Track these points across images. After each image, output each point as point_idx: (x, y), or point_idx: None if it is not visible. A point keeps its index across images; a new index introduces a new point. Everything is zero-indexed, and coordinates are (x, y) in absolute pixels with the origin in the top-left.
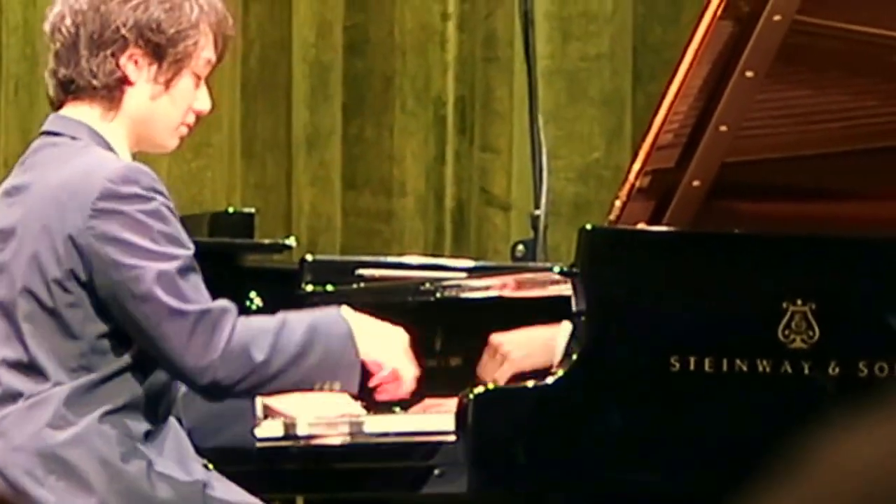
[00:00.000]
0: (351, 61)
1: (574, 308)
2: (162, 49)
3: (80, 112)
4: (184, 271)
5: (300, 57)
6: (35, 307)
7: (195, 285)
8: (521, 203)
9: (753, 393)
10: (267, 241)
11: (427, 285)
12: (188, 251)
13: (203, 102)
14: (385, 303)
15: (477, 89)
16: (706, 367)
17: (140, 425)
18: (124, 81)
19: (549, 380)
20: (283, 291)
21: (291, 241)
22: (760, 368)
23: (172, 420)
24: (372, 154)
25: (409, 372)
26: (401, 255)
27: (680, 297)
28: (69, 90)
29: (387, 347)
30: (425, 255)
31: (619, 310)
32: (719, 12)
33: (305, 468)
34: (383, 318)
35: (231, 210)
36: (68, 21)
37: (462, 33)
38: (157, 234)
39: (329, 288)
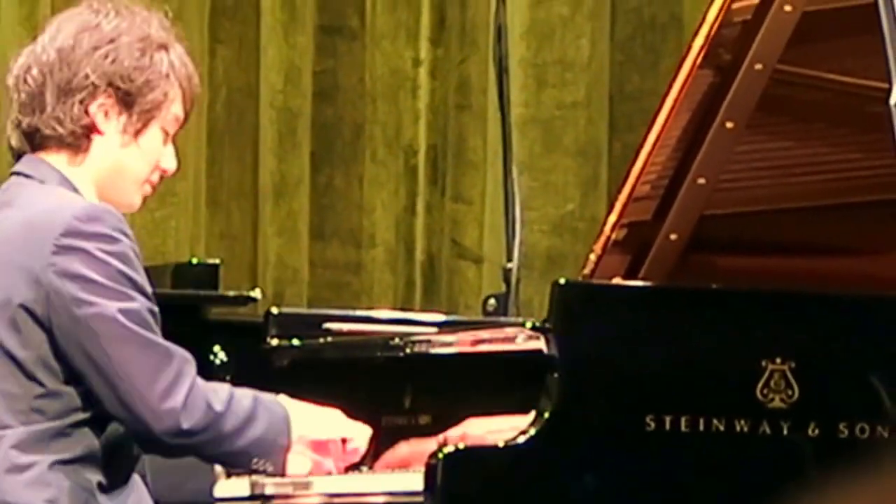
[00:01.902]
0: (320, 108)
1: (546, 364)
2: (132, 98)
3: (50, 159)
4: (147, 312)
5: (267, 103)
6: None
7: (156, 330)
8: (494, 255)
9: (731, 453)
10: (231, 293)
11: (396, 340)
12: (148, 300)
13: (169, 161)
14: (352, 358)
15: (449, 138)
16: (682, 427)
17: (96, 477)
18: (92, 130)
19: (521, 439)
20: (247, 345)
21: (257, 294)
22: (738, 428)
23: (136, 477)
24: (341, 204)
25: (358, 434)
26: (370, 308)
27: (656, 354)
28: (34, 140)
29: (327, 423)
30: (395, 308)
31: (593, 367)
32: (699, 61)
33: None
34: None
35: (195, 261)
36: (35, 71)
37: (434, 80)
38: (119, 274)
39: (295, 342)
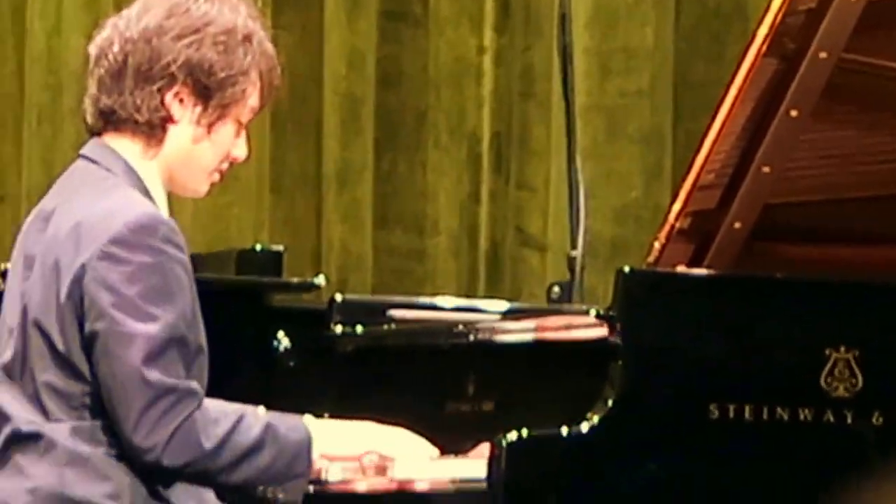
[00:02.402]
0: (383, 95)
1: (610, 352)
2: (210, 91)
3: (120, 145)
4: (167, 340)
5: (331, 89)
6: (42, 341)
7: (173, 359)
8: (557, 243)
9: (794, 442)
10: (296, 279)
11: (460, 327)
12: (181, 324)
13: (241, 150)
14: (416, 345)
15: (513, 125)
16: (746, 415)
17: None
18: (168, 119)
19: (584, 426)
20: (311, 332)
21: (321, 280)
22: (801, 417)
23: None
24: (404, 191)
25: (398, 442)
26: (433, 295)
27: (719, 342)
28: (109, 120)
29: (355, 438)
30: (458, 295)
31: (657, 355)
32: (764, 49)
33: None
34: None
35: (259, 247)
36: (116, 48)
37: (498, 67)
38: (154, 292)
39: (359, 329)
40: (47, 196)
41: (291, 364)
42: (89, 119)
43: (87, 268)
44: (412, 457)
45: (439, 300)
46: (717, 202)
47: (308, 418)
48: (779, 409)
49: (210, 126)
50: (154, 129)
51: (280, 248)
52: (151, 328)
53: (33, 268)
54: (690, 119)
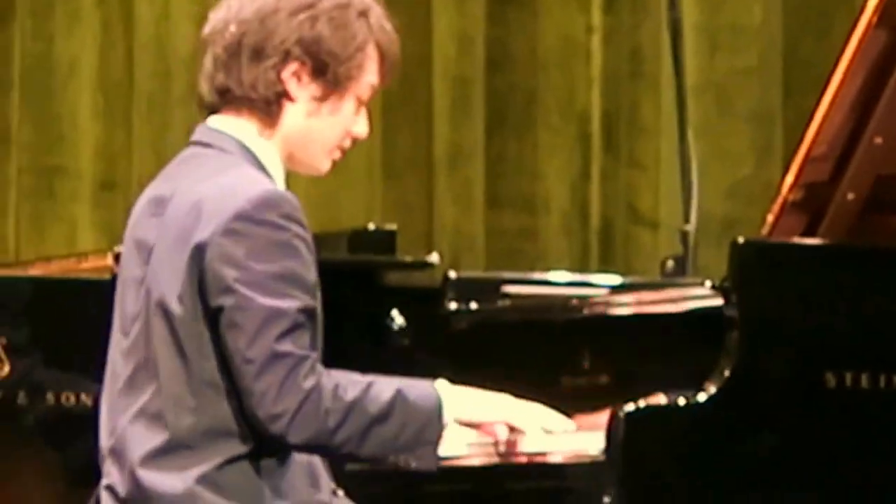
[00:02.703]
0: (493, 76)
1: (725, 323)
2: (326, 68)
3: (233, 125)
4: (295, 313)
5: (441, 72)
6: (164, 323)
7: (301, 332)
8: (669, 220)
9: None
10: (409, 258)
11: (574, 302)
12: (307, 297)
13: (361, 126)
14: (530, 320)
15: (622, 104)
16: (863, 384)
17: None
18: (284, 96)
19: (701, 397)
20: (425, 310)
21: (434, 258)
22: None
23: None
24: (515, 171)
25: (533, 416)
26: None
27: (834, 311)
28: (225, 98)
29: (489, 407)
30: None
31: (772, 325)
32: (873, 21)
33: (451, 490)
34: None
35: (372, 227)
36: (233, 28)
37: (607, 47)
38: (280, 268)
39: (473, 306)
40: (157, 182)
41: (405, 342)
42: (206, 97)
43: (209, 244)
44: (546, 430)
45: (552, 275)
46: (830, 174)
47: (441, 383)
48: (895, 378)
49: (329, 103)
50: (270, 107)
51: (393, 227)
52: (279, 302)
53: (152, 252)
54: (800, 95)
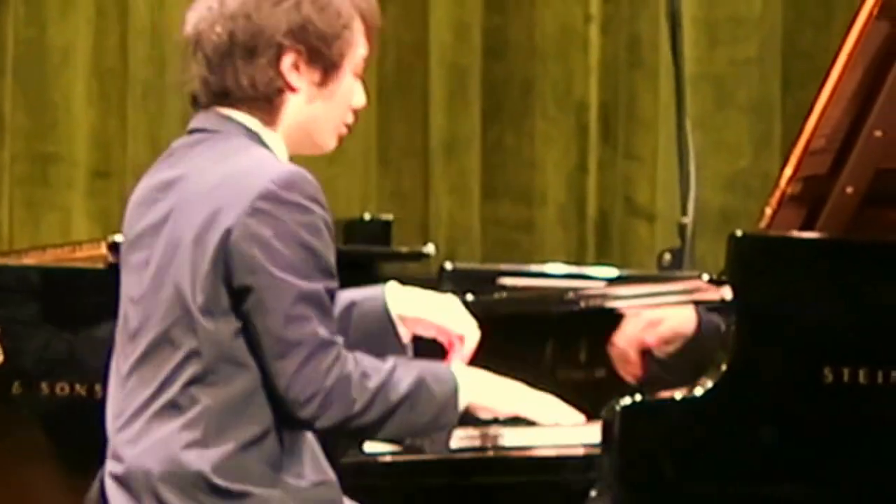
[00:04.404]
0: (490, 65)
1: (723, 318)
2: (320, 51)
3: (237, 115)
4: (323, 295)
5: (437, 60)
6: (180, 305)
7: (328, 314)
8: (666, 213)
9: None
10: (405, 248)
11: (571, 294)
12: (330, 279)
13: (359, 98)
14: (527, 312)
15: (620, 95)
16: (860, 379)
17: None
18: (286, 89)
19: (698, 391)
20: None
21: (430, 249)
22: None
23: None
24: (512, 162)
25: (538, 407)
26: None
27: (833, 305)
28: (224, 100)
29: (504, 396)
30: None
31: (770, 318)
32: (874, 13)
33: (439, 484)
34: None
35: (368, 217)
36: (219, 28)
37: (605, 36)
38: (306, 249)
39: (469, 297)
40: (157, 169)
41: None
42: (202, 98)
43: (235, 225)
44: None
45: (549, 267)
46: (829, 167)
47: (458, 366)
48: (893, 373)
49: (328, 84)
50: (272, 102)
51: (389, 217)
52: (307, 284)
53: (161, 235)
54: (799, 87)
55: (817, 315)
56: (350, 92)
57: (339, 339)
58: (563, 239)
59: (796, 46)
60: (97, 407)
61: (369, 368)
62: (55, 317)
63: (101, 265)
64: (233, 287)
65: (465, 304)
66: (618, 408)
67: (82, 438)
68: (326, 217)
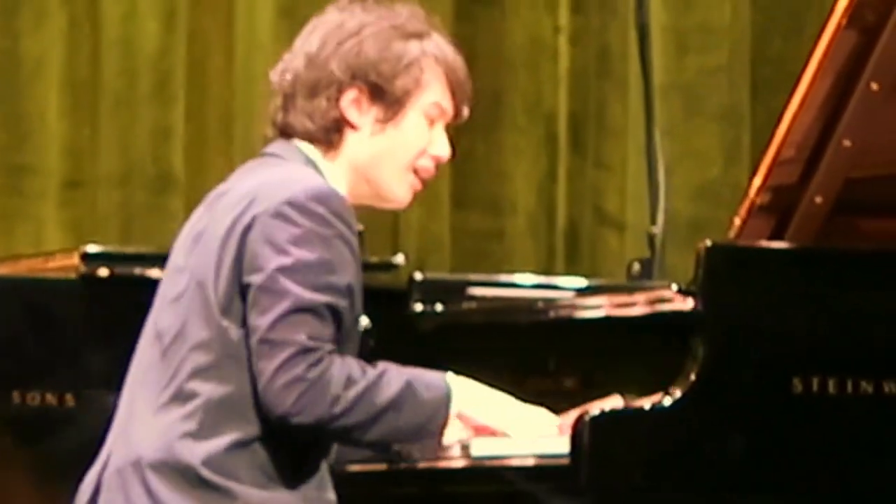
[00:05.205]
0: None
1: (691, 326)
2: (380, 87)
3: (300, 143)
4: (318, 306)
5: None
6: (200, 300)
7: (319, 325)
8: (636, 222)
9: (879, 416)
10: (374, 259)
11: (540, 304)
12: (336, 296)
13: (439, 148)
14: (497, 322)
15: (590, 105)
16: (830, 389)
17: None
18: (344, 124)
19: (667, 401)
20: (390, 311)
21: (400, 259)
22: (886, 390)
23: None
24: (482, 172)
25: (526, 427)
26: (512, 274)
27: (802, 315)
28: (286, 133)
29: (495, 410)
30: (537, 275)
31: (739, 329)
32: (843, 22)
33: (417, 495)
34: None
35: None
36: (289, 76)
37: (574, 47)
38: (317, 261)
39: (439, 307)
40: (221, 185)
41: (371, 343)
42: (270, 133)
43: (255, 222)
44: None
45: (518, 278)
46: (798, 177)
47: (451, 376)
48: (863, 383)
49: (391, 121)
50: (329, 135)
51: (359, 227)
52: (309, 294)
53: (200, 239)
54: (769, 95)
55: (786, 325)
56: (420, 136)
57: (326, 347)
58: (533, 248)
59: (766, 54)
60: (68, 417)
61: (356, 372)
62: (27, 327)
63: (73, 275)
64: (241, 284)
65: (436, 313)
66: (587, 418)
67: (53, 448)
68: (349, 236)
